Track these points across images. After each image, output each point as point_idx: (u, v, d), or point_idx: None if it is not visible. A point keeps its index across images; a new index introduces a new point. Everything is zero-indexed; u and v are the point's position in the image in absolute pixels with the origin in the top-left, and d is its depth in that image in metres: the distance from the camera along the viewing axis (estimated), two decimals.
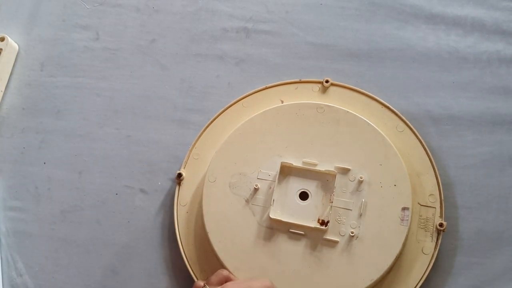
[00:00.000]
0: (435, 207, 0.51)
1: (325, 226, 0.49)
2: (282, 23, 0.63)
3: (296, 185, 0.52)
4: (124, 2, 0.67)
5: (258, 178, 0.52)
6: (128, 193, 0.58)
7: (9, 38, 0.65)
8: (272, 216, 0.50)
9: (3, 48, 0.64)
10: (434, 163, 0.52)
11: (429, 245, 0.50)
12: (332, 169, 0.51)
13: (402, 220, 0.49)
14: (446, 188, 0.52)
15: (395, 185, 0.50)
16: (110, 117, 0.62)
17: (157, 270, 0.55)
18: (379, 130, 0.52)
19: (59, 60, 0.65)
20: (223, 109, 0.58)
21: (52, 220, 0.58)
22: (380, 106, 0.56)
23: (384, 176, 0.50)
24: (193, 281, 0.52)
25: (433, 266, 0.49)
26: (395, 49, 0.59)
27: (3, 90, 0.65)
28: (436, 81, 0.57)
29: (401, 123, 0.55)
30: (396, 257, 0.48)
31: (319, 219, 0.50)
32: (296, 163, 0.52)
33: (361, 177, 0.50)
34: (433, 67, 0.58)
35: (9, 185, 0.61)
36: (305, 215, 0.51)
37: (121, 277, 0.55)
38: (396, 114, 0.55)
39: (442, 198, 0.51)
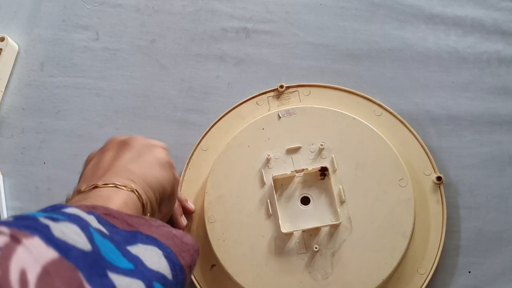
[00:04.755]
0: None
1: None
2: (282, 23, 0.63)
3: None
4: (124, 2, 0.67)
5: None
6: None
7: (9, 38, 0.65)
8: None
9: (3, 48, 0.64)
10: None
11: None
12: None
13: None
14: (445, 188, 0.52)
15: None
16: (110, 117, 0.62)
17: None
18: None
19: (59, 60, 0.65)
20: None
21: None
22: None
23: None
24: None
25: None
26: (394, 49, 0.59)
27: (3, 90, 0.65)
28: (436, 81, 0.57)
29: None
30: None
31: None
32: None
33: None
34: (432, 67, 0.58)
35: (9, 185, 0.61)
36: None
37: None
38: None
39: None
